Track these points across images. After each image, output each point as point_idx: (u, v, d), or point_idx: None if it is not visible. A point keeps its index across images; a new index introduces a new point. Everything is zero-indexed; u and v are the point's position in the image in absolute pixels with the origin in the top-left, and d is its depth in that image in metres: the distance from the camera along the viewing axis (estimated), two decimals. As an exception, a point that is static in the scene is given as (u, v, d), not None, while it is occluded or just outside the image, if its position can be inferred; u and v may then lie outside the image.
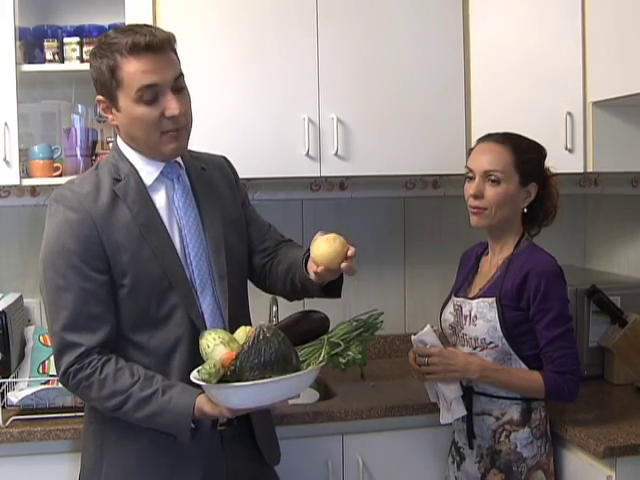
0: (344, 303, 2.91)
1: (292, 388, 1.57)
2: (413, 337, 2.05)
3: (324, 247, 1.62)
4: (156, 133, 1.69)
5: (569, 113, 2.38)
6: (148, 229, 1.70)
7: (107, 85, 1.68)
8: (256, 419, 1.83)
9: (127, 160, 1.75)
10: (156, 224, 1.72)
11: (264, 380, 1.49)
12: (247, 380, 1.50)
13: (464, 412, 2.02)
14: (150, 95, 1.65)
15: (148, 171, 1.75)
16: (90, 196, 1.69)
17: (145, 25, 1.71)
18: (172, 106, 1.66)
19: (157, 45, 1.64)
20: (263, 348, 1.50)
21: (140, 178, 1.74)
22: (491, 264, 2.10)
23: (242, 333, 1.62)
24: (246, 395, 1.54)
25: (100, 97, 1.72)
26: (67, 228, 1.67)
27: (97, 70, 1.69)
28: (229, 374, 1.51)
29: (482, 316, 2.00)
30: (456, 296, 2.13)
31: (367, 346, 1.68)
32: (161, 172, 1.76)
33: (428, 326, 2.06)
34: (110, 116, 1.73)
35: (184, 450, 1.69)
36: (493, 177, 2.00)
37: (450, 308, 2.13)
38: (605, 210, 3.02)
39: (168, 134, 1.70)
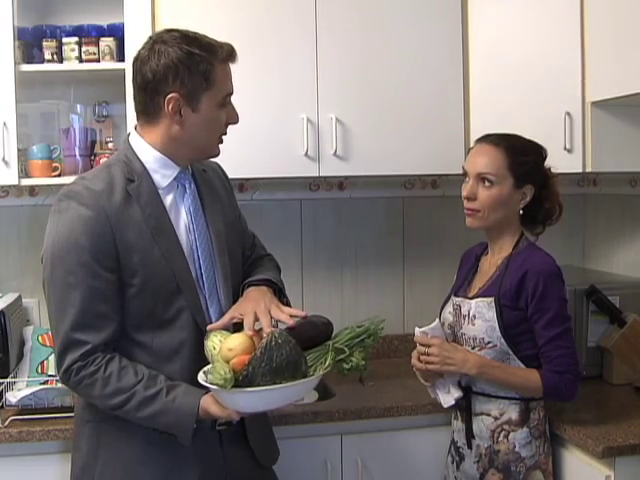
0: (343, 303, 2.94)
1: (299, 392, 1.64)
2: (417, 328, 2.05)
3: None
4: (218, 135, 1.78)
5: (568, 113, 2.37)
6: (159, 232, 1.71)
7: (192, 84, 1.68)
8: (249, 420, 1.82)
9: (139, 161, 1.75)
10: (166, 227, 1.73)
11: (276, 386, 1.54)
12: (259, 385, 1.53)
13: (461, 393, 2.04)
14: (228, 101, 1.76)
15: (163, 174, 1.75)
16: (104, 194, 1.68)
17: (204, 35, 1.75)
18: (236, 114, 1.80)
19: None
20: (275, 354, 1.54)
21: (152, 180, 1.74)
22: (490, 264, 2.10)
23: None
24: (256, 400, 1.59)
25: (176, 95, 1.68)
26: (80, 225, 1.66)
27: (181, 66, 1.66)
28: (241, 379, 1.54)
29: (480, 316, 2.00)
30: (455, 296, 2.13)
31: (368, 352, 1.71)
32: (174, 177, 1.77)
33: (437, 321, 2.08)
34: (176, 116, 1.70)
35: (181, 450, 1.69)
36: (486, 179, 2.00)
37: (449, 308, 2.13)
38: (604, 210, 3.02)
39: (221, 138, 1.80)
